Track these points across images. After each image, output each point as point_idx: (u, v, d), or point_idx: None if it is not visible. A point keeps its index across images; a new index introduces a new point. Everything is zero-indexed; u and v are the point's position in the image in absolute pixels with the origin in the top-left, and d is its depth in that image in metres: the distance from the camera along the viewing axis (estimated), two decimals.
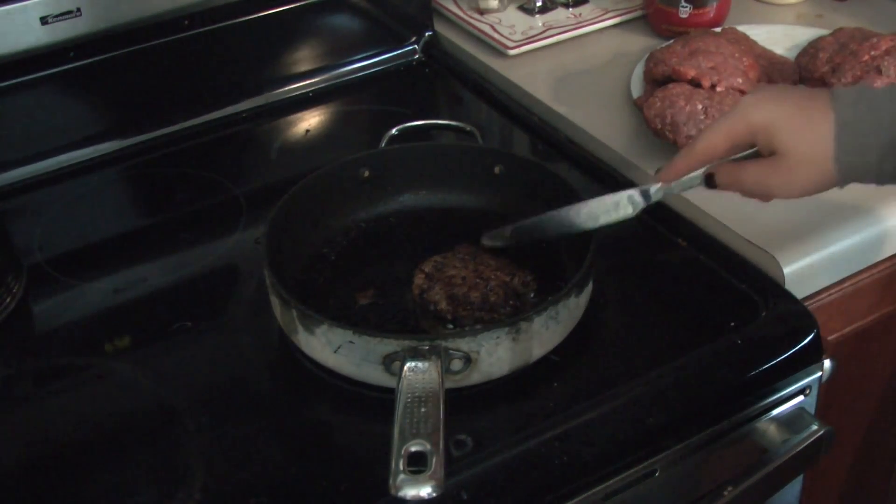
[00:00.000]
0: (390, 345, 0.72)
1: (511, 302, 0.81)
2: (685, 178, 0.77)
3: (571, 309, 0.77)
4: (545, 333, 0.75)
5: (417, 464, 0.63)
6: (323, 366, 0.77)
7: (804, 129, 0.71)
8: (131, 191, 1.06)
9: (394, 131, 1.00)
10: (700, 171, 0.77)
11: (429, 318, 0.81)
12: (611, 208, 0.80)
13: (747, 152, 0.75)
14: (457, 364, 0.72)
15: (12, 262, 0.89)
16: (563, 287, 0.76)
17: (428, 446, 0.63)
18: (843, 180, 0.72)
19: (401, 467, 0.62)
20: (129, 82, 1.08)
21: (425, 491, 0.61)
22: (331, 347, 0.74)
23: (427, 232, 0.91)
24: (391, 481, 0.61)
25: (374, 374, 0.73)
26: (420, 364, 0.69)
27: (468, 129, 1.01)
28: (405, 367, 0.69)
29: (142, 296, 0.89)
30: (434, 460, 0.62)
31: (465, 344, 0.72)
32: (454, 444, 0.71)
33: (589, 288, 0.79)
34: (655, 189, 0.79)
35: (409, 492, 0.61)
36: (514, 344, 0.73)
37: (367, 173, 0.92)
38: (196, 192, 1.04)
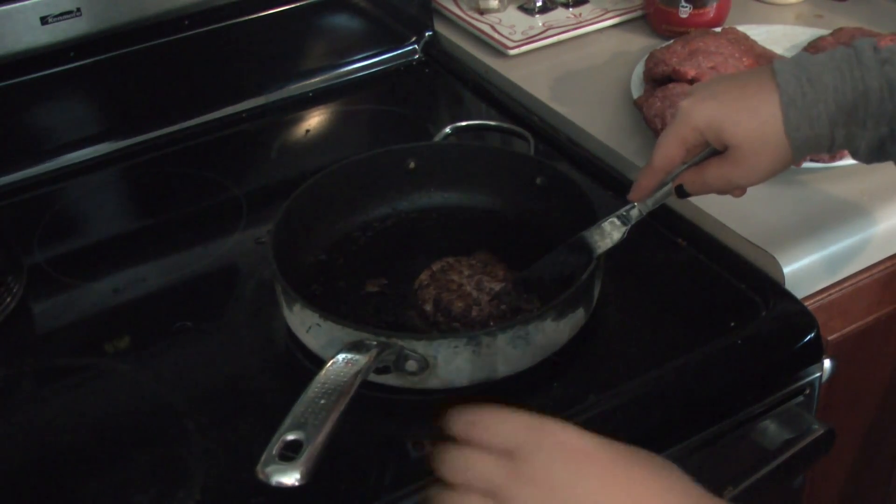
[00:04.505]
0: (350, 334, 0.72)
1: (491, 322, 0.79)
2: (658, 193, 0.78)
3: (548, 333, 0.75)
4: (513, 352, 0.74)
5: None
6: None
7: (748, 116, 0.71)
8: (131, 191, 1.06)
9: (447, 130, 0.99)
10: (669, 184, 0.77)
11: (419, 316, 0.81)
12: (598, 239, 0.79)
13: (705, 152, 0.75)
14: (412, 365, 0.72)
15: (12, 262, 0.89)
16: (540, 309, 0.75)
17: (303, 436, 0.61)
18: (798, 155, 0.72)
19: (273, 452, 0.60)
20: (129, 82, 1.08)
21: (293, 478, 0.59)
22: (304, 326, 0.76)
23: (461, 231, 0.91)
24: (259, 466, 0.60)
25: None
26: (355, 357, 0.68)
27: (524, 133, 0.99)
28: (338, 358, 0.68)
29: (142, 296, 0.89)
30: (308, 450, 0.61)
31: (421, 347, 0.72)
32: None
33: (577, 315, 0.77)
34: (632, 209, 0.79)
35: (276, 478, 0.59)
36: (474, 356, 0.72)
37: (413, 164, 0.92)
38: (196, 192, 1.04)
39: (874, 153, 0.71)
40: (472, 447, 0.53)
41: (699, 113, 0.73)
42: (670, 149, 0.75)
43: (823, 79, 0.70)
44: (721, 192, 0.77)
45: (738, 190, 0.77)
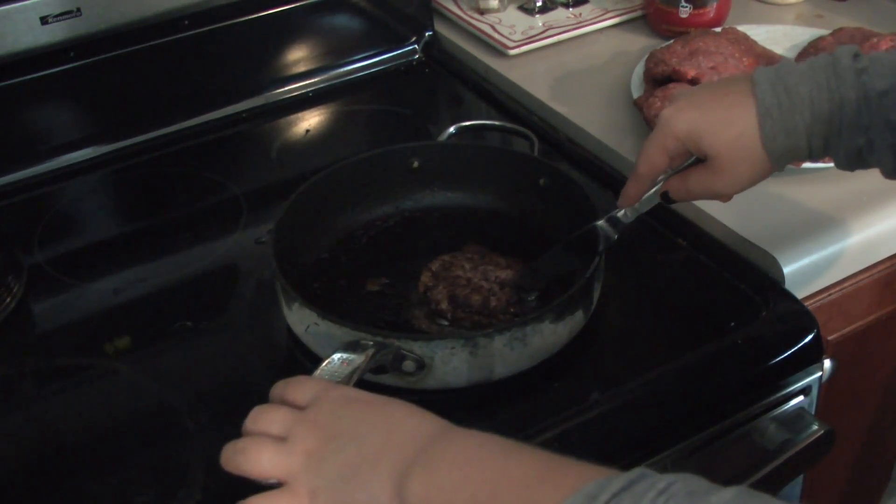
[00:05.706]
0: (348, 333, 0.72)
1: (512, 308, 0.80)
2: (644, 198, 0.78)
3: (545, 335, 0.75)
4: (510, 354, 0.74)
5: None
6: None
7: (726, 127, 0.71)
8: (131, 191, 1.06)
9: (452, 129, 0.98)
10: (655, 190, 0.78)
11: (428, 315, 0.81)
12: (590, 243, 0.80)
13: (690, 160, 0.75)
14: (409, 365, 0.72)
15: (12, 262, 0.89)
16: (539, 310, 0.75)
17: None
18: (778, 165, 0.73)
19: None
20: (129, 82, 1.08)
21: None
22: (302, 325, 0.76)
23: (464, 231, 0.91)
24: None
25: None
26: (351, 357, 0.68)
27: (529, 134, 0.99)
28: (334, 358, 0.68)
29: (142, 296, 0.89)
30: None
31: (418, 347, 0.72)
32: None
33: (576, 318, 0.77)
34: (622, 214, 0.80)
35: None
36: (471, 357, 0.72)
37: (416, 164, 0.92)
38: (196, 192, 1.04)
39: (852, 162, 0.72)
40: (273, 404, 0.62)
41: (679, 122, 0.73)
42: (653, 157, 0.75)
43: (800, 89, 0.70)
44: (705, 199, 0.77)
45: (723, 197, 0.77)
